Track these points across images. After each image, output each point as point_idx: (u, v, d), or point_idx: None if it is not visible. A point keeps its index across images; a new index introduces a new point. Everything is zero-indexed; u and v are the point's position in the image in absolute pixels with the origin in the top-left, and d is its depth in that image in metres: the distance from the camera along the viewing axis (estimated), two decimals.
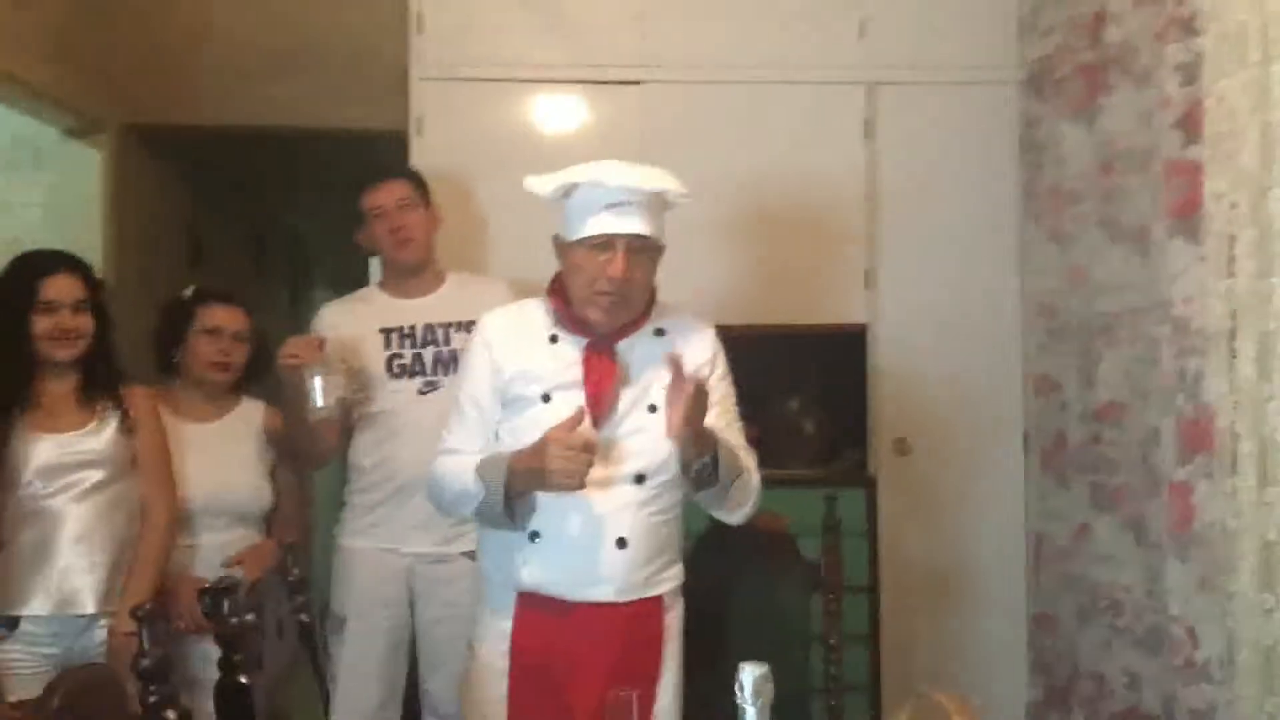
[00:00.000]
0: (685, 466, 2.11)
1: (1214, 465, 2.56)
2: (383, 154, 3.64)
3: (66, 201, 4.02)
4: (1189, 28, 2.69)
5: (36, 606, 2.49)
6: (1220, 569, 2.54)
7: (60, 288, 2.56)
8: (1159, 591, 2.86)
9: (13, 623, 2.49)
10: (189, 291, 2.91)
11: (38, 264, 2.60)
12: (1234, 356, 2.48)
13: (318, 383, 2.68)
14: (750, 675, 1.43)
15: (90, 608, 2.53)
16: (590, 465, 2.03)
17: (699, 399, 2.02)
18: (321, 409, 2.68)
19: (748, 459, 2.23)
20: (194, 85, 4.01)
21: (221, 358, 2.81)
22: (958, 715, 1.18)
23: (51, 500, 2.52)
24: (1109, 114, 3.09)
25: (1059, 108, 3.40)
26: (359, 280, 3.34)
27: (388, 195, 3.00)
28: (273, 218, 5.96)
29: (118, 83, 3.96)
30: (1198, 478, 2.66)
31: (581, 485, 2.04)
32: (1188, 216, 2.69)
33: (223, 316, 2.84)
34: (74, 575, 2.52)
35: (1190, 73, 2.69)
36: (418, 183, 3.09)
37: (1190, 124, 2.68)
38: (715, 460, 2.09)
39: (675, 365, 2.04)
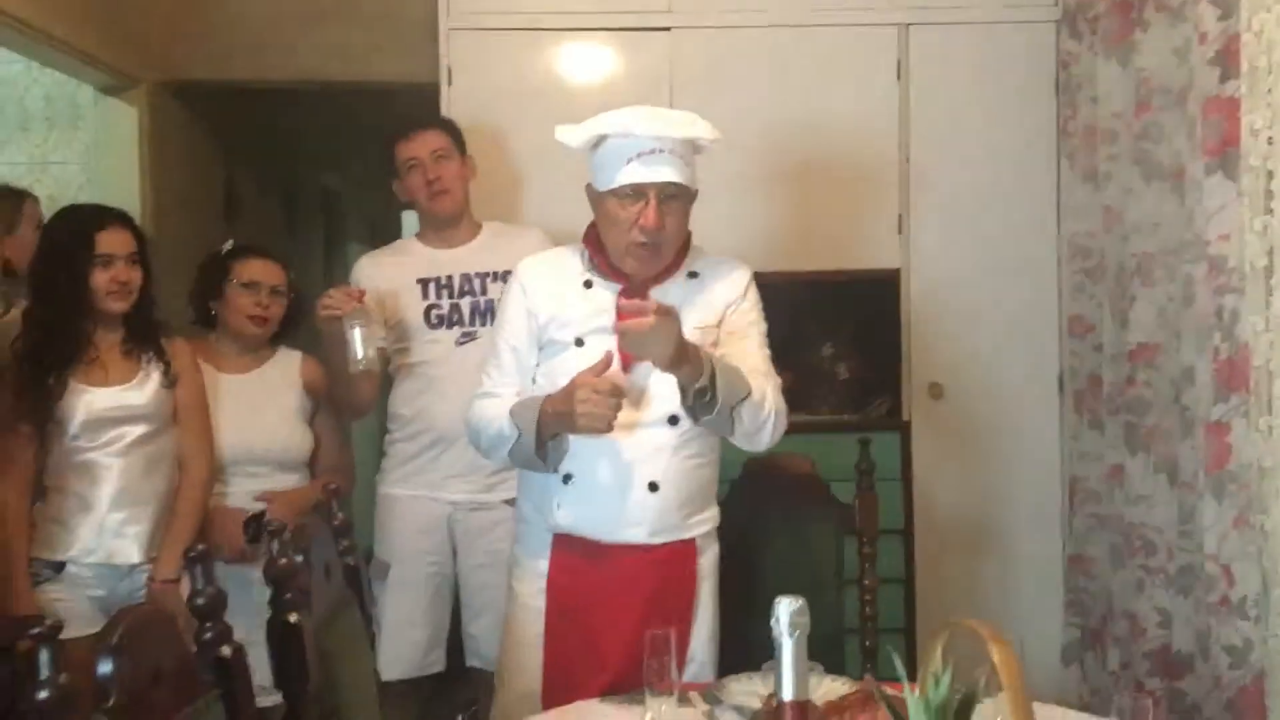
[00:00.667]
0: (682, 391, 2.10)
1: (1249, 404, 2.56)
2: (414, 106, 3.65)
3: (103, 158, 4.07)
4: None
5: (81, 554, 2.56)
6: (1255, 507, 2.54)
7: (115, 240, 2.60)
8: (1192, 531, 2.86)
9: (59, 566, 2.56)
10: (227, 246, 2.94)
11: (91, 217, 2.65)
12: (1270, 294, 2.46)
13: (357, 334, 2.70)
14: (787, 608, 1.46)
15: (135, 558, 2.59)
16: (618, 409, 2.06)
17: (665, 320, 1.99)
18: (361, 360, 2.71)
19: (761, 382, 2.20)
20: (227, 41, 4.03)
21: (259, 310, 2.85)
22: (993, 643, 1.20)
23: (96, 453, 2.57)
24: (1145, 51, 3.04)
25: (1094, 45, 3.35)
26: (391, 234, 3.37)
27: (422, 146, 3.00)
28: (305, 172, 5.99)
29: (152, 39, 3.99)
30: (1233, 416, 2.65)
31: (608, 429, 2.07)
32: (1224, 153, 2.66)
33: (260, 270, 2.87)
34: (117, 528, 2.58)
35: (1227, 7, 2.65)
36: (453, 132, 3.08)
37: (1227, 59, 2.64)
38: (713, 383, 2.07)
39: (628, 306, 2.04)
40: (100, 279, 2.57)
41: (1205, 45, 2.70)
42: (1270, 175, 2.45)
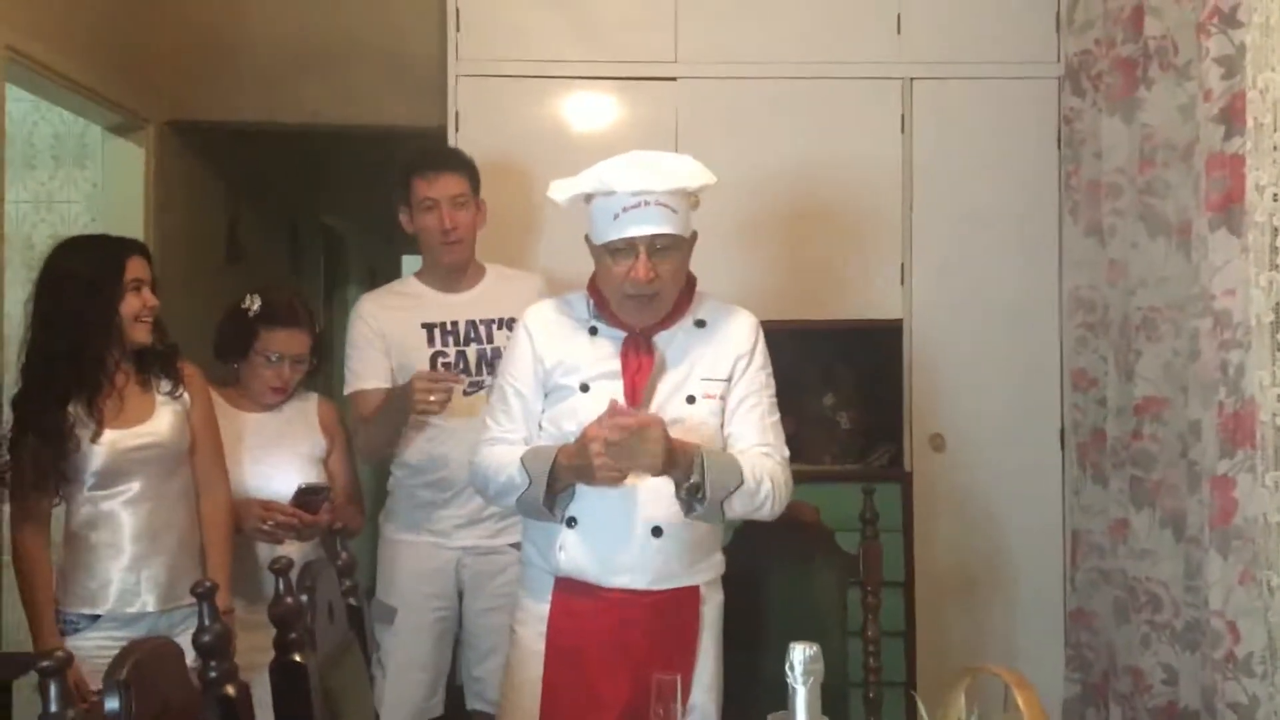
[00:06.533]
0: (676, 486, 2.13)
1: (1256, 459, 2.55)
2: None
3: (109, 198, 4.07)
4: (1231, 19, 2.67)
5: (105, 606, 2.50)
6: (1261, 563, 2.53)
7: (142, 267, 2.56)
8: (1197, 587, 2.85)
9: (92, 618, 2.49)
10: (255, 306, 2.81)
11: (116, 243, 2.60)
12: (1277, 349, 2.47)
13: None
14: (801, 654, 1.45)
15: (151, 607, 2.52)
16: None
17: (647, 432, 2.03)
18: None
19: (760, 466, 2.20)
20: (234, 82, 4.05)
21: (279, 383, 2.83)
22: (1018, 689, 1.19)
23: (114, 502, 2.51)
24: (1149, 107, 3.08)
25: (1097, 101, 3.39)
26: (392, 276, 3.36)
27: (443, 189, 2.95)
28: (308, 213, 6.01)
29: (160, 80, 4.01)
30: (1239, 471, 2.64)
31: (623, 480, 2.08)
32: (1229, 209, 2.68)
33: (284, 343, 2.80)
34: (136, 578, 2.51)
35: (1232, 65, 2.68)
36: (472, 174, 3.03)
37: (1232, 116, 2.67)
38: (703, 479, 2.10)
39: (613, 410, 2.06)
40: (132, 305, 2.52)
41: (1210, 102, 2.73)
42: (1275, 231, 2.46)
